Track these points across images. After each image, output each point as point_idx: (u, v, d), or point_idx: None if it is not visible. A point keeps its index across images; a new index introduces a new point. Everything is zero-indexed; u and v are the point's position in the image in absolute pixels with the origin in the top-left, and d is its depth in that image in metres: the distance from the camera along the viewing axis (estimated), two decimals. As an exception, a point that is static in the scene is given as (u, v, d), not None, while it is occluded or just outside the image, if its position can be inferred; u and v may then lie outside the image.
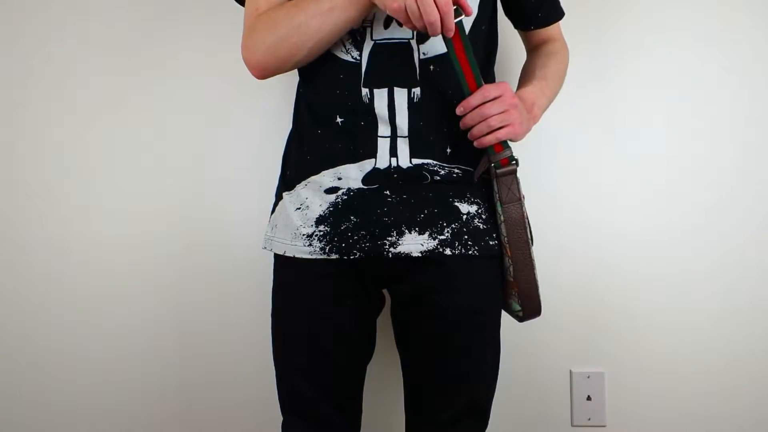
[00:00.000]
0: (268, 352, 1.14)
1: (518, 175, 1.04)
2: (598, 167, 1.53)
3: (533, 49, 1.24)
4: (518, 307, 1.08)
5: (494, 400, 1.13)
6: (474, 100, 0.99)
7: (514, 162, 1.03)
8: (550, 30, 1.22)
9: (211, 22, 1.55)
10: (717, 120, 1.52)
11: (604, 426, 1.53)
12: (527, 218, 1.06)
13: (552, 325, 1.51)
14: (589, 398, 1.53)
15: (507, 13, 1.23)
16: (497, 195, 1.04)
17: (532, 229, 1.08)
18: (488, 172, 1.05)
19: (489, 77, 1.13)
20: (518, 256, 1.04)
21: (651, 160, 1.53)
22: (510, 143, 1.03)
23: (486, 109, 0.98)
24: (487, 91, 0.99)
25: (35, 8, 1.57)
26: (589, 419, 1.53)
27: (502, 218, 1.04)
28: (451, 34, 0.91)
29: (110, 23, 1.57)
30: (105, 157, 1.57)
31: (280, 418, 1.13)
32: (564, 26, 1.24)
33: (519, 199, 1.04)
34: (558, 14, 1.21)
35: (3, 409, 1.58)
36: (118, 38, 1.57)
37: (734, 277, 1.52)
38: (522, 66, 1.23)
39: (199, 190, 1.56)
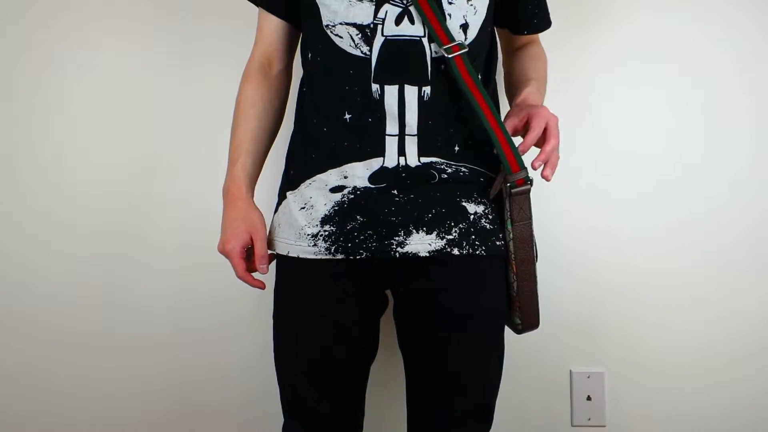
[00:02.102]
0: (267, 352, 1.13)
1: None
2: (597, 167, 1.53)
3: (516, 50, 1.23)
4: (518, 321, 1.09)
5: (494, 399, 1.12)
6: (552, 145, 1.02)
7: (529, 182, 1.03)
8: (534, 35, 1.23)
9: (207, 22, 1.53)
10: (714, 119, 1.52)
11: (604, 426, 1.53)
12: (534, 236, 1.06)
13: (552, 325, 1.50)
14: (589, 398, 1.53)
15: (498, 19, 1.20)
16: (508, 213, 1.04)
17: (537, 244, 1.09)
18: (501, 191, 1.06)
19: (492, 77, 1.15)
20: (523, 273, 1.05)
21: (650, 160, 1.53)
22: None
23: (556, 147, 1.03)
24: (553, 133, 1.02)
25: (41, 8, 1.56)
26: (589, 419, 1.53)
27: (510, 236, 1.05)
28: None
29: (110, 23, 1.55)
30: (104, 156, 1.56)
31: (279, 419, 1.12)
32: (560, 26, 1.26)
33: (529, 218, 1.04)
34: (548, 23, 1.22)
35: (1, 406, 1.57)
36: (119, 38, 1.55)
37: (734, 277, 1.52)
38: (502, 63, 1.25)
39: (199, 189, 1.54)
